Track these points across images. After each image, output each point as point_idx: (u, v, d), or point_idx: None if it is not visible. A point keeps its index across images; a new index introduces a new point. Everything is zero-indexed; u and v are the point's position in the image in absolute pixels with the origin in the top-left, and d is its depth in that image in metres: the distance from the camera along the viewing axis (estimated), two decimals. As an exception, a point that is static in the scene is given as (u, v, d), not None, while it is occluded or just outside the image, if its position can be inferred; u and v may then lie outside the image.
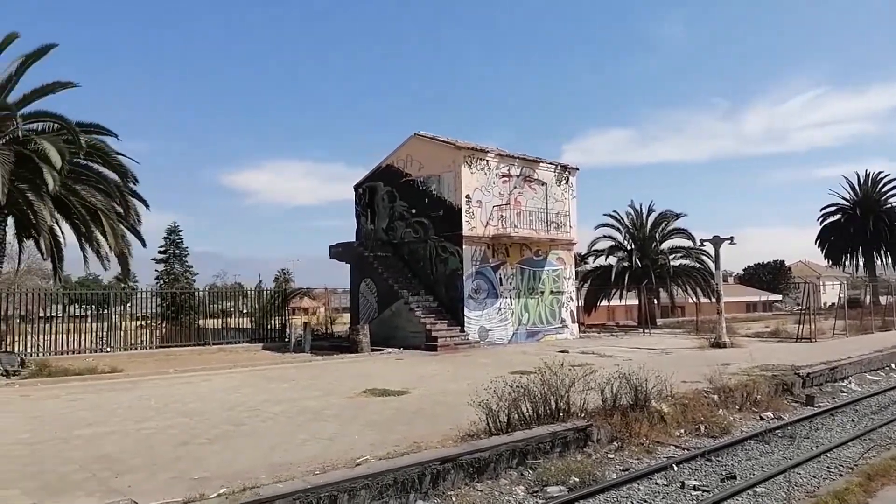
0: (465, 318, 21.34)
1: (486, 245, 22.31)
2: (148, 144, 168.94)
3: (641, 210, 35.42)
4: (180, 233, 62.63)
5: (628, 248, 34.60)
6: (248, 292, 26.73)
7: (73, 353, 20.26)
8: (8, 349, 16.66)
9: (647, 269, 32.75)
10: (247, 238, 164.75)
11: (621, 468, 7.87)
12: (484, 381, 10.22)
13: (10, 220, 16.60)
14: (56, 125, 16.08)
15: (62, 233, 17.12)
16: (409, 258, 23.55)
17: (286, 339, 23.63)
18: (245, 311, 26.61)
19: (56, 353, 19.19)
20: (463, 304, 21.39)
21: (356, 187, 26.11)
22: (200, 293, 28.30)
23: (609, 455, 8.33)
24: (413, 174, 23.43)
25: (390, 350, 20.06)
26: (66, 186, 15.35)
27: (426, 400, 10.82)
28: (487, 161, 22.81)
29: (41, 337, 20.39)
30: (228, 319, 25.97)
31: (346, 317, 31.15)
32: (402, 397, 11.06)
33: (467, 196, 21.88)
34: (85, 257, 16.91)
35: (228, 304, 27.05)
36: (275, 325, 25.66)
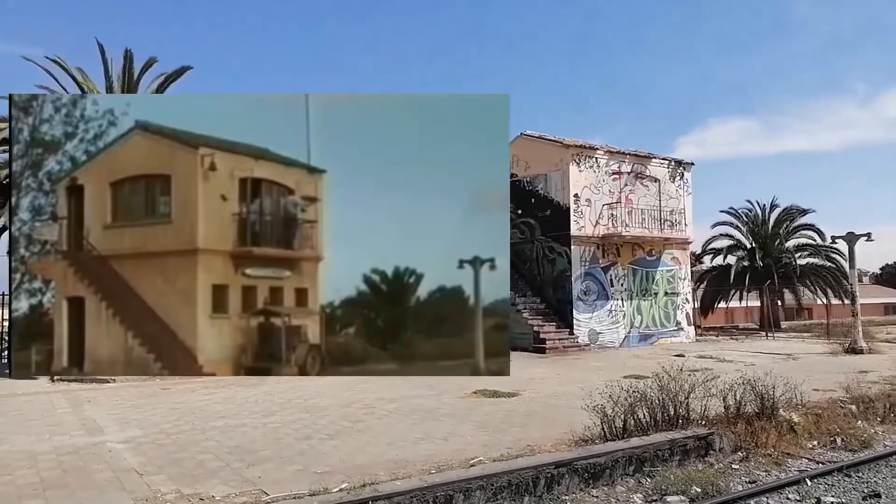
0: (574, 321, 20.99)
1: (595, 245, 21.83)
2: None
3: (763, 206, 33.40)
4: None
5: (749, 246, 32.71)
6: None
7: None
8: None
9: (769, 268, 30.82)
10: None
11: (747, 480, 7.43)
12: (596, 385, 10.04)
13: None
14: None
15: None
16: (515, 259, 23.42)
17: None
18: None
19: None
20: (572, 306, 21.05)
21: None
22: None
23: (733, 465, 7.89)
24: (519, 174, 23.34)
25: (498, 351, 20.07)
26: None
27: (537, 402, 10.74)
28: (596, 158, 22.32)
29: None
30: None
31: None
32: (513, 399, 11.05)
33: (576, 195, 21.52)
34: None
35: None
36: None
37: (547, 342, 19.99)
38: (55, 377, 14.18)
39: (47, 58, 16.78)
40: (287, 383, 13.41)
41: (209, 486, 6.11)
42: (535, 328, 20.54)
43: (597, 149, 22.64)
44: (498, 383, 12.64)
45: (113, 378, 13.64)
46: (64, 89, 17.08)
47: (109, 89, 17.49)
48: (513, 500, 6.43)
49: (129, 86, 17.48)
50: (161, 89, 17.87)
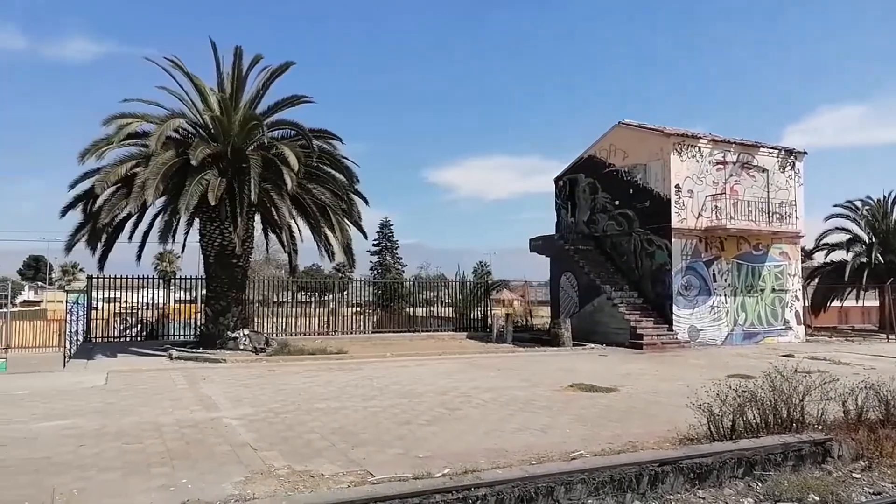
0: (674, 317, 20.28)
1: (697, 238, 20.96)
2: (363, 146, 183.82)
3: (884, 198, 30.87)
4: (391, 227, 67.63)
5: (867, 241, 30.34)
6: (452, 283, 27.93)
7: (302, 334, 22.83)
8: (255, 330, 19.18)
9: (891, 265, 28.49)
10: (447, 231, 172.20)
11: (871, 491, 6.93)
12: (699, 383, 9.67)
13: (258, 217, 19.08)
14: (293, 131, 18.15)
15: (298, 227, 19.28)
16: (611, 252, 22.93)
17: (488, 330, 24.34)
18: (447, 300, 27.93)
19: (288, 334, 21.76)
20: (671, 302, 20.34)
21: (556, 180, 25.99)
22: (409, 283, 30.25)
23: (854, 475, 7.38)
24: (616, 164, 22.74)
25: (592, 346, 19.73)
26: (301, 186, 17.24)
27: (636, 399, 10.48)
28: (699, 147, 21.39)
29: (276, 320, 23.33)
30: (432, 308, 27.47)
31: (542, 310, 31.28)
32: (611, 394, 10.83)
33: (677, 186, 20.72)
34: (320, 249, 18.86)
35: (431, 293, 28.60)
36: (477, 315, 26.57)
37: (644, 338, 19.42)
38: (174, 356, 15.25)
39: (165, 58, 17.89)
40: (384, 370, 13.79)
41: (317, 465, 6.38)
42: (632, 323, 19.99)
43: (700, 137, 21.67)
44: (594, 378, 12.45)
45: (225, 359, 14.50)
46: (180, 86, 18.19)
47: (220, 86, 18.46)
48: (615, 496, 6.31)
49: (239, 82, 18.38)
50: (267, 84, 18.68)
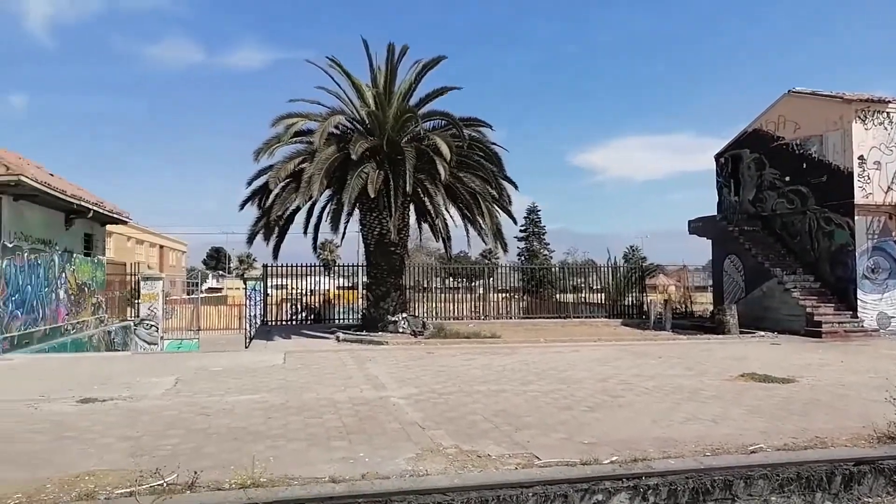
0: (859, 302, 18.30)
1: (886, 215, 18.71)
2: (504, 132, 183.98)
3: None
4: (538, 212, 67.32)
5: None
6: (602, 268, 27.22)
7: (453, 319, 23.42)
8: (412, 314, 19.98)
9: None
10: (594, 214, 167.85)
11: None
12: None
13: (412, 207, 19.81)
14: (444, 121, 18.59)
15: (450, 215, 19.77)
16: (781, 232, 21.12)
17: (643, 316, 23.47)
18: (596, 286, 27.27)
19: (439, 319, 22.42)
20: (855, 286, 18.37)
21: (717, 157, 24.37)
22: (557, 269, 29.92)
23: None
24: (787, 137, 20.85)
25: (762, 333, 18.34)
26: (453, 175, 17.64)
27: (820, 391, 9.59)
28: (888, 114, 19.01)
29: (427, 305, 24.13)
30: (580, 294, 26.97)
31: (701, 296, 29.55)
32: (789, 385, 10.00)
33: (860, 157, 18.60)
34: (469, 237, 19.24)
35: (579, 279, 28.07)
36: (630, 301, 25.72)
37: (823, 325, 17.72)
38: (341, 338, 16.30)
39: (326, 58, 19.02)
40: (538, 355, 13.77)
41: (483, 445, 6.51)
42: (809, 309, 18.31)
43: (888, 102, 19.23)
44: (767, 367, 11.58)
45: (387, 341, 15.26)
46: (338, 85, 19.27)
47: (374, 81, 19.30)
48: (802, 494, 5.85)
49: (391, 76, 19.10)
50: (419, 78, 19.24)
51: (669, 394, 9.30)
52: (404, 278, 20.87)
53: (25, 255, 15.54)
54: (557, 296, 26.82)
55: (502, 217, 19.80)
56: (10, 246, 14.64)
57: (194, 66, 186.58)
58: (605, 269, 26.89)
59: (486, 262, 45.74)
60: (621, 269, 27.24)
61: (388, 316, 18.38)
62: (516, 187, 20.15)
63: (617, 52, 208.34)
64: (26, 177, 13.87)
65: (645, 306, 24.46)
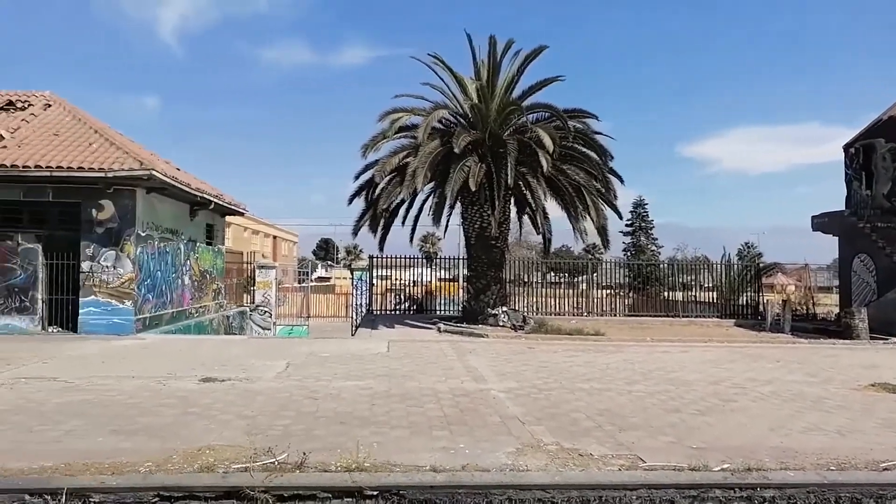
0: None
1: None
2: (610, 123, 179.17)
3: None
4: (645, 206, 65.10)
5: None
6: (714, 266, 25.88)
7: (554, 314, 23.11)
8: (513, 308, 19.92)
9: None
10: (706, 208, 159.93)
11: None
12: None
13: (513, 200, 19.70)
14: (547, 113, 18.33)
15: (554, 208, 19.55)
16: None
17: (759, 317, 22.13)
18: (708, 284, 25.97)
19: (540, 314, 22.18)
20: None
21: (846, 147, 22.43)
22: (665, 265, 28.79)
23: None
24: None
25: (896, 340, 16.78)
26: (555, 167, 17.38)
27: (967, 406, 8.64)
28: None
29: (528, 299, 23.93)
30: (690, 292, 25.78)
31: (825, 297, 27.46)
32: (929, 398, 9.09)
33: None
34: (574, 231, 18.89)
35: (689, 276, 26.84)
36: (745, 301, 24.32)
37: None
38: (442, 329, 16.52)
39: (429, 54, 19.24)
40: (645, 354, 13.32)
41: (585, 444, 6.38)
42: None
43: None
44: (903, 377, 10.58)
45: (487, 334, 15.30)
46: (441, 80, 19.43)
47: (477, 75, 19.32)
48: (943, 519, 5.29)
49: (493, 69, 19.05)
50: (521, 70, 19.06)
51: (788, 401, 8.70)
52: (504, 272, 20.81)
53: (156, 243, 16.87)
54: (665, 293, 25.81)
55: (607, 211, 19.32)
56: (143, 235, 15.93)
57: (304, 67, 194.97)
58: (718, 266, 25.54)
59: (590, 257, 44.78)
60: (735, 266, 25.80)
61: (489, 309, 18.41)
62: (622, 181, 19.58)
63: (733, 36, 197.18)
64: (157, 171, 15.02)
65: (761, 307, 23.03)
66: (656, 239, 64.65)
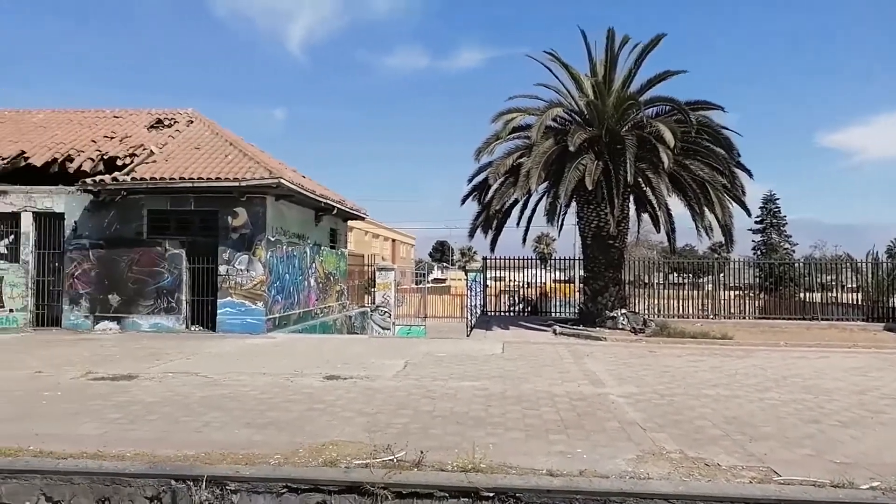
0: None
1: None
2: (738, 115, 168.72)
3: None
4: (777, 201, 60.79)
5: None
6: (860, 264, 23.64)
7: (677, 317, 22.08)
8: (632, 310, 19.27)
9: None
10: (845, 203, 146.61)
11: None
12: None
13: (632, 198, 19.08)
14: (667, 107, 17.59)
15: (676, 205, 18.73)
16: None
17: (915, 322, 19.98)
18: (851, 285, 23.76)
19: (661, 316, 21.27)
20: None
21: None
22: (801, 264, 26.71)
23: None
24: None
25: None
26: (677, 163, 16.62)
27: None
28: None
29: (649, 301, 23.01)
30: (830, 293, 23.70)
31: None
32: None
33: None
34: (698, 229, 18.01)
35: (828, 276, 24.68)
36: (896, 303, 22.05)
37: None
38: (557, 332, 16.29)
39: (544, 52, 19.06)
40: (778, 360, 12.43)
41: (711, 453, 6.04)
42: None
43: None
44: None
45: (605, 337, 14.91)
46: (556, 77, 19.19)
47: (592, 71, 18.89)
48: None
49: (610, 64, 18.54)
50: (638, 63, 18.43)
51: (952, 415, 7.78)
52: (623, 273, 20.18)
53: (284, 247, 17.90)
54: (801, 294, 23.93)
55: (734, 207, 18.24)
56: (273, 240, 16.96)
57: (420, 71, 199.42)
58: (864, 264, 23.32)
59: (716, 256, 42.37)
60: (884, 264, 23.43)
61: (606, 311, 17.93)
62: (750, 175, 18.43)
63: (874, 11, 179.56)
64: (285, 180, 15.95)
65: (916, 309, 20.78)
66: (790, 236, 60.13)
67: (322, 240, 21.76)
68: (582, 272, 21.13)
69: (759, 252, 56.12)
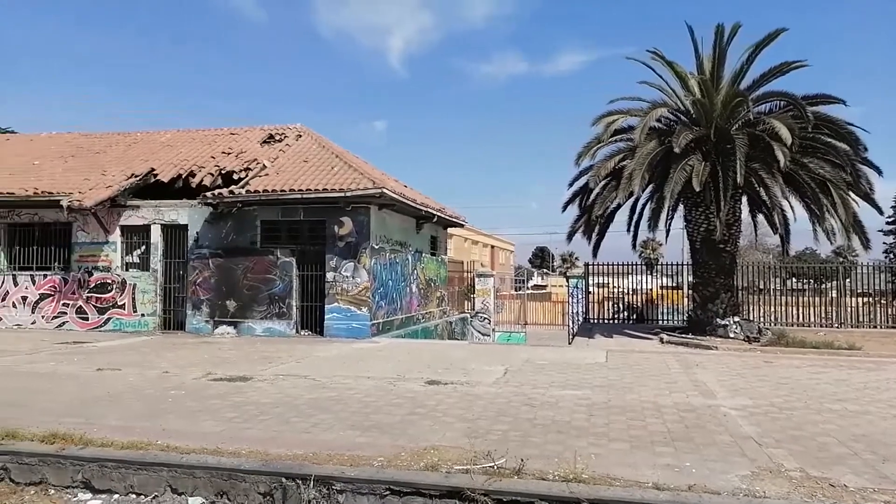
0: None
1: None
2: (861, 109, 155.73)
3: None
4: (912, 201, 55.59)
5: None
6: None
7: (796, 325, 20.63)
8: (746, 318, 18.21)
9: None
10: None
11: None
12: None
13: (744, 199, 18.05)
14: (782, 102, 16.52)
15: (791, 207, 17.54)
16: None
17: None
18: None
19: (778, 324, 19.93)
20: None
21: None
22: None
23: None
24: None
25: None
26: (794, 161, 15.57)
27: None
28: None
29: (764, 308, 21.63)
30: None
31: None
32: None
33: None
34: (815, 231, 16.80)
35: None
36: None
37: None
38: (664, 340, 15.67)
39: (647, 51, 18.41)
40: (916, 373, 11.33)
41: (837, 473, 5.59)
42: None
43: None
44: None
45: (716, 346, 14.18)
46: (660, 77, 18.50)
47: (699, 68, 18.06)
48: None
49: (719, 60, 17.65)
50: (751, 58, 17.42)
51: None
52: (735, 278, 19.12)
53: (387, 254, 18.38)
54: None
55: (860, 207, 16.84)
56: (376, 247, 17.46)
57: (517, 77, 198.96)
58: None
59: (841, 260, 39.28)
60: None
61: (717, 319, 17.04)
62: (879, 172, 16.95)
63: None
64: (387, 189, 16.41)
65: None
66: (929, 238, 54.75)
67: (423, 247, 22.15)
68: (690, 278, 20.22)
69: (891, 255, 51.52)
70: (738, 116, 17.09)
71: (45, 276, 18.72)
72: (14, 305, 18.89)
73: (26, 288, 18.86)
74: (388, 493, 5.39)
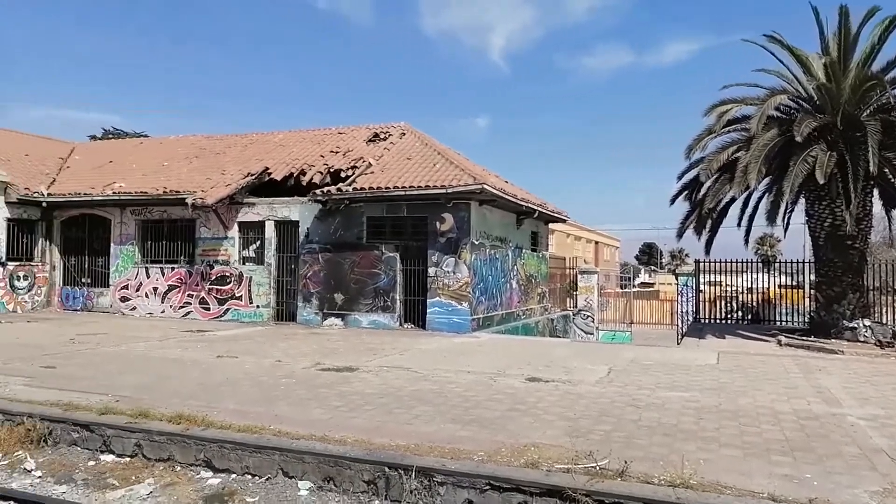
0: None
1: None
2: None
3: None
4: None
5: None
6: None
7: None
8: (878, 320, 16.74)
9: None
10: None
11: None
12: None
13: (875, 192, 16.56)
14: (922, 85, 15.00)
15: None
16: None
17: None
18: None
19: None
20: None
21: None
22: None
23: None
24: None
25: None
26: (935, 149, 14.11)
27: None
28: None
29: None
30: None
31: None
32: None
33: None
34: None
35: None
36: None
37: None
38: (783, 343, 14.70)
39: (764, 35, 17.28)
40: None
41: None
42: None
43: None
44: None
45: (842, 350, 13.14)
46: (780, 62, 17.31)
47: (825, 51, 16.76)
48: None
49: (846, 42, 16.29)
50: (883, 38, 15.93)
51: None
52: (865, 277, 17.58)
53: (487, 250, 18.42)
54: None
55: None
56: (477, 243, 17.53)
57: (622, 70, 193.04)
58: None
59: None
60: None
61: (844, 321, 15.75)
62: None
63: None
64: (488, 185, 16.43)
65: None
66: None
67: (523, 242, 22.00)
68: (813, 277, 18.81)
69: None
70: (870, 101, 15.70)
71: (172, 268, 20.28)
72: (146, 296, 20.62)
73: (157, 280, 20.51)
74: (487, 487, 5.41)
